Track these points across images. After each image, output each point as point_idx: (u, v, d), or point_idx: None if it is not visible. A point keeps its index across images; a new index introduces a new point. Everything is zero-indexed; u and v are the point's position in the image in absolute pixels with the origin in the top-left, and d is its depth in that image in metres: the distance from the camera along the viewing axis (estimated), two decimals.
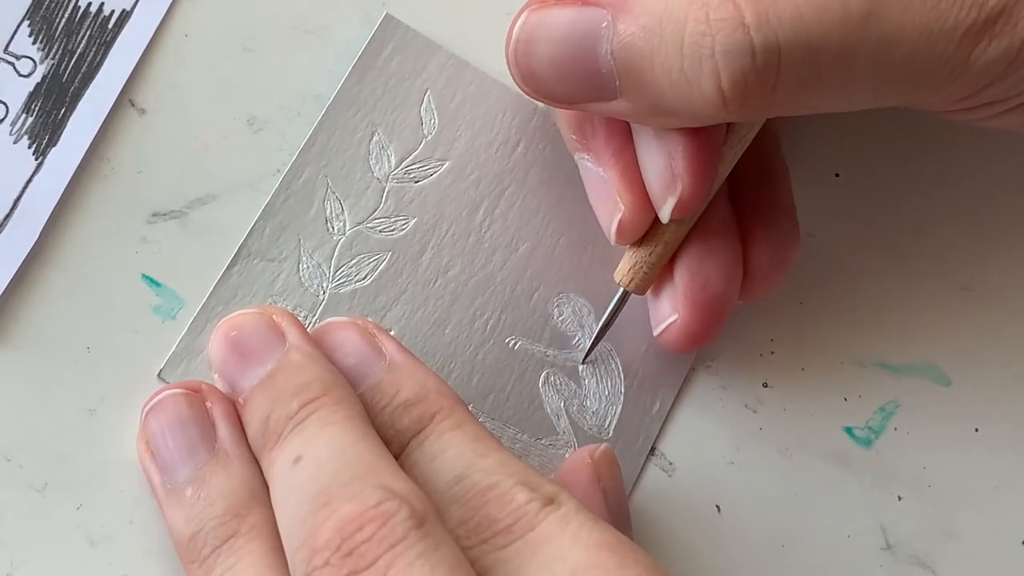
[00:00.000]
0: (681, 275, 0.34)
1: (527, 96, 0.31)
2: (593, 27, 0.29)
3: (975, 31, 0.28)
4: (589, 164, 0.34)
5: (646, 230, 0.33)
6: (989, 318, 0.38)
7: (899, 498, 0.37)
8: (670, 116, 0.30)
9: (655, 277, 0.34)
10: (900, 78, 0.29)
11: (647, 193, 0.32)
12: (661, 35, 0.29)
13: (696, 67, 0.28)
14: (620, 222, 0.33)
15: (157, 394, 0.32)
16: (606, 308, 0.35)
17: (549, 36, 0.30)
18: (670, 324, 0.34)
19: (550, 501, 0.28)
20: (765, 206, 0.35)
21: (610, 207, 0.33)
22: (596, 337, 0.35)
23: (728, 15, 0.28)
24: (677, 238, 0.33)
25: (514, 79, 0.31)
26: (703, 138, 0.31)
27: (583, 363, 0.36)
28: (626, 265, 0.34)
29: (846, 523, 0.36)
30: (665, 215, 0.32)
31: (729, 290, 0.34)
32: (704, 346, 0.35)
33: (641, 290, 0.34)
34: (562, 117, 0.34)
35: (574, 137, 0.34)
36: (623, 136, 0.33)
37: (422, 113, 0.36)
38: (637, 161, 0.33)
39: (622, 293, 0.34)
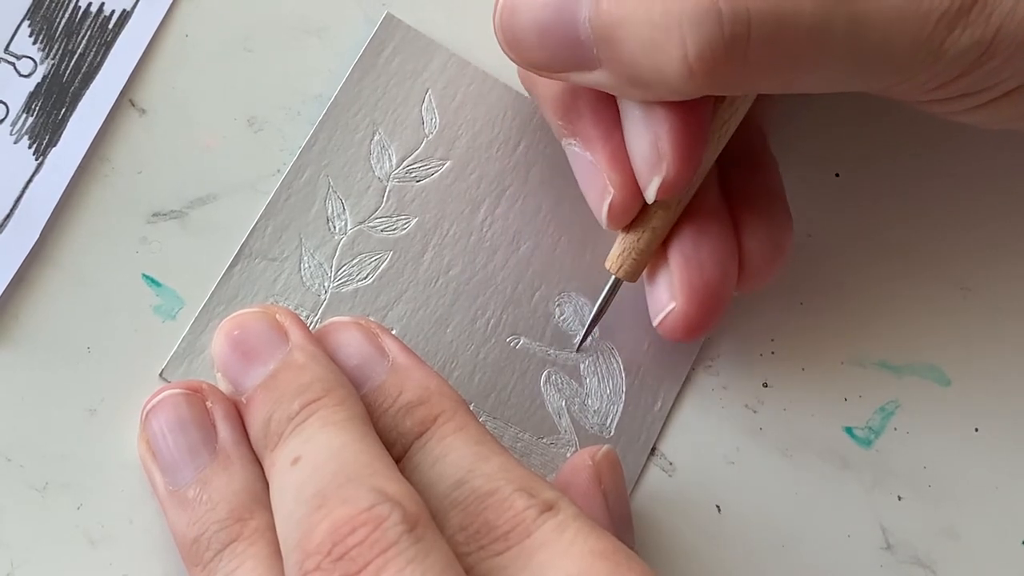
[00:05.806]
0: (676, 261, 0.34)
1: (513, 62, 0.31)
2: None
3: (949, 17, 0.28)
4: (576, 149, 0.33)
5: (637, 213, 0.33)
6: (989, 318, 0.38)
7: (899, 498, 0.37)
8: (645, 87, 0.30)
9: (645, 264, 0.34)
10: (874, 60, 0.29)
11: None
12: (636, 2, 0.28)
13: (665, 35, 0.28)
14: (611, 205, 0.33)
15: (157, 394, 0.32)
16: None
17: (532, 2, 0.30)
18: (669, 312, 0.34)
19: (548, 507, 0.28)
20: (756, 194, 0.35)
21: (600, 191, 0.33)
22: (589, 325, 0.35)
23: None
24: (665, 224, 0.33)
25: (500, 44, 0.31)
26: (689, 117, 0.31)
27: (577, 351, 0.36)
28: (616, 251, 0.34)
29: (846, 523, 0.36)
30: (651, 195, 0.32)
31: (725, 276, 0.34)
32: (704, 335, 0.34)
33: (632, 277, 0.34)
34: (547, 103, 0.34)
35: (560, 123, 0.33)
36: (610, 119, 0.33)
37: (423, 112, 0.36)
38: (624, 143, 0.32)
39: (613, 280, 0.34)
